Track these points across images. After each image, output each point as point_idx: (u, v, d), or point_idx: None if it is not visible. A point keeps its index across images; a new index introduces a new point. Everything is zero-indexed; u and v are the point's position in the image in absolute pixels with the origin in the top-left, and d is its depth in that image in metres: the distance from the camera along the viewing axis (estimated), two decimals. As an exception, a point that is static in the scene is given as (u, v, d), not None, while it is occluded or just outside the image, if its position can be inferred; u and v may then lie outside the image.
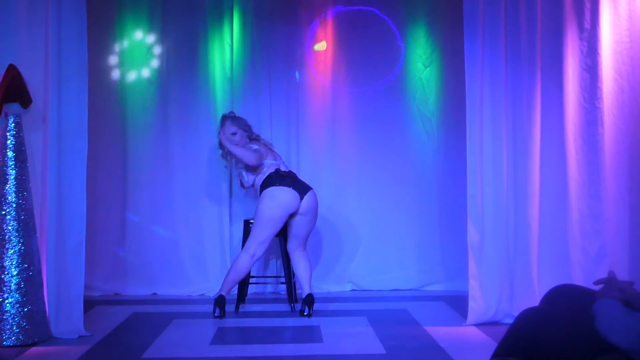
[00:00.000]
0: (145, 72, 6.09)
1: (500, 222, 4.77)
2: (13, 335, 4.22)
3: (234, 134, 5.31)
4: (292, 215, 5.18)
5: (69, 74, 4.50)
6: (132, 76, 6.09)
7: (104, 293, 5.98)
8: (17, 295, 4.24)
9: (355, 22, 6.17)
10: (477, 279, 4.75)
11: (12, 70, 4.33)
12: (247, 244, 5.16)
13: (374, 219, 6.20)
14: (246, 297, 5.50)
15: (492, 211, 4.76)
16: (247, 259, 5.10)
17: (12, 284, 4.25)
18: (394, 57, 6.18)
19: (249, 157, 5.17)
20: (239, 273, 5.14)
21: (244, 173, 5.36)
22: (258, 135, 5.49)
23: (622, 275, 4.20)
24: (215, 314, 5.01)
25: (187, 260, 6.06)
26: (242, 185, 5.51)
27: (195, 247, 6.07)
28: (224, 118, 5.43)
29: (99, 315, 5.16)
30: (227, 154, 5.39)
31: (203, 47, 6.09)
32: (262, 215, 5.11)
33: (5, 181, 4.33)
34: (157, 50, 6.10)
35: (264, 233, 5.10)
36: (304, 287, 5.20)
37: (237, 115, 5.50)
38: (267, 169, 5.24)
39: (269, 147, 5.39)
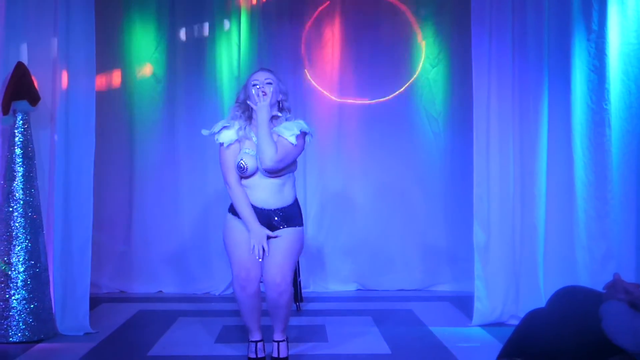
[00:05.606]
0: (153, 72, 6.10)
1: (506, 223, 4.76)
2: (19, 332, 4.24)
3: (269, 83, 3.94)
4: None
5: (77, 72, 4.52)
6: (139, 75, 6.11)
7: (110, 290, 6.01)
8: (23, 292, 4.26)
9: (363, 22, 6.17)
10: (482, 279, 4.75)
11: (20, 68, 4.35)
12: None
13: (380, 219, 6.20)
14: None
15: (499, 212, 4.75)
16: None
17: (19, 281, 4.27)
18: (404, 58, 6.19)
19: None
20: None
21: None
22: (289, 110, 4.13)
23: (629, 277, 4.20)
24: None
25: (193, 258, 6.07)
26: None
27: (201, 246, 6.08)
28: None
29: (105, 313, 5.17)
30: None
31: (210, 46, 6.10)
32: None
33: (13, 178, 4.34)
34: (165, 49, 6.11)
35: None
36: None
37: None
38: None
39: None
